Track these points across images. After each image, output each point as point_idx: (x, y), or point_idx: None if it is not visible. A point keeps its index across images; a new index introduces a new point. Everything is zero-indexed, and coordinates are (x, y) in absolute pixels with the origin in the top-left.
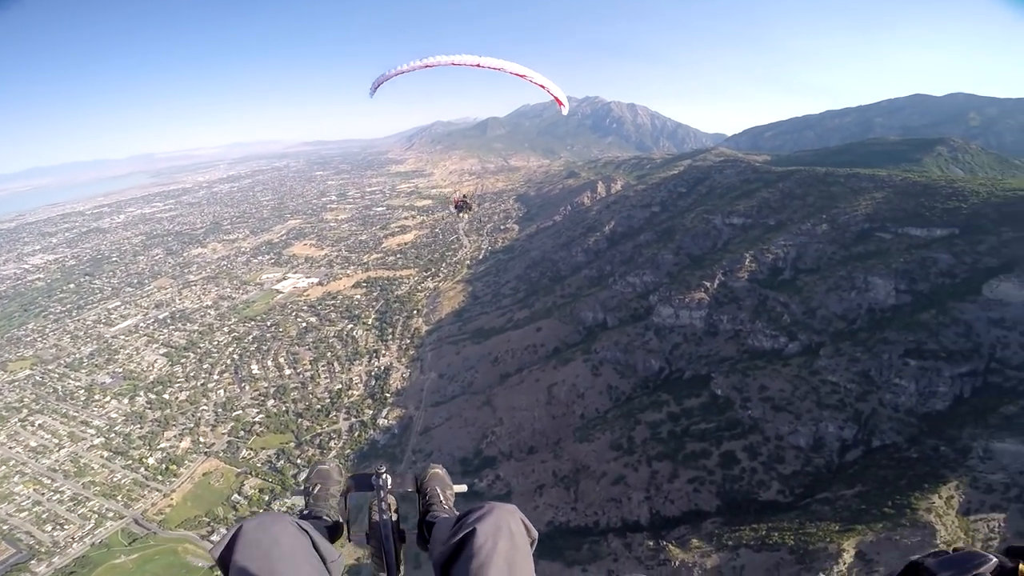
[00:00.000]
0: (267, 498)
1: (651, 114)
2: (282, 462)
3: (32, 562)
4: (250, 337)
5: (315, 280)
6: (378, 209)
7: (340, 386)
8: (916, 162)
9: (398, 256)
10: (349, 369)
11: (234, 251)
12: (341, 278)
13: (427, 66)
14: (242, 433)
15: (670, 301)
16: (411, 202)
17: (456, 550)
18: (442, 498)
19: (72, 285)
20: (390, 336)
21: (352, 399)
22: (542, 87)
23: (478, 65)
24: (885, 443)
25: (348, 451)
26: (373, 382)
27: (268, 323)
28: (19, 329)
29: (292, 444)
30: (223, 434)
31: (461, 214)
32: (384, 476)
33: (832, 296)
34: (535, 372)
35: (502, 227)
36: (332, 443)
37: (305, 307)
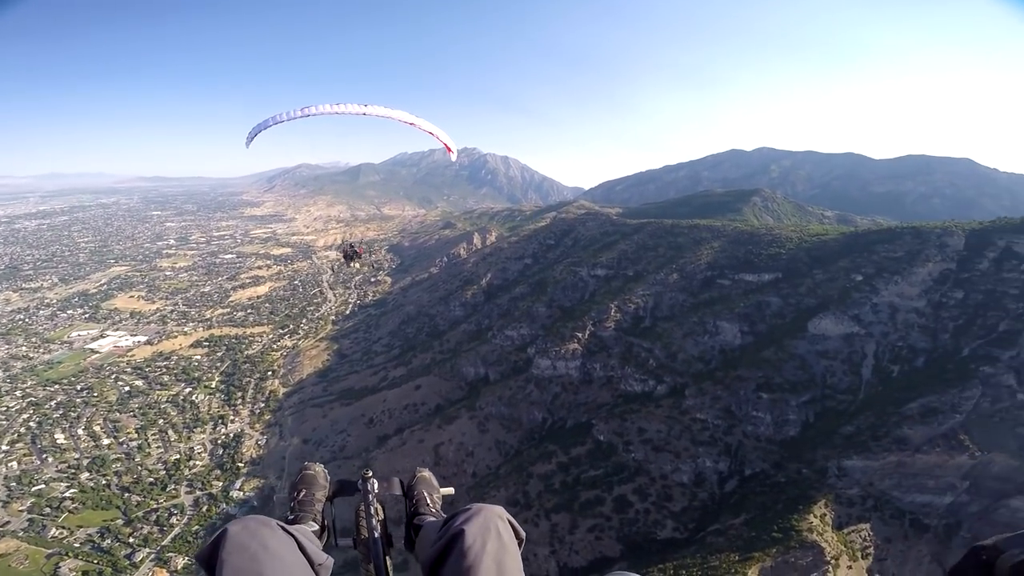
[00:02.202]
0: None
1: (521, 167)
2: (108, 541)
3: None
4: (53, 403)
5: (142, 339)
6: (227, 256)
7: (178, 456)
8: (738, 211)
9: (249, 311)
10: (189, 437)
11: (36, 302)
12: (176, 336)
13: (309, 115)
14: (48, 510)
15: (547, 353)
16: (267, 249)
17: (444, 551)
18: (429, 501)
19: None
20: (239, 400)
21: (195, 470)
22: (431, 134)
23: (364, 114)
24: (756, 471)
25: (196, 527)
26: (221, 451)
27: (78, 387)
28: None
29: (120, 521)
30: (20, 511)
31: (351, 264)
32: (371, 480)
33: (688, 340)
34: (417, 432)
35: (373, 279)
36: (173, 519)
37: (129, 369)
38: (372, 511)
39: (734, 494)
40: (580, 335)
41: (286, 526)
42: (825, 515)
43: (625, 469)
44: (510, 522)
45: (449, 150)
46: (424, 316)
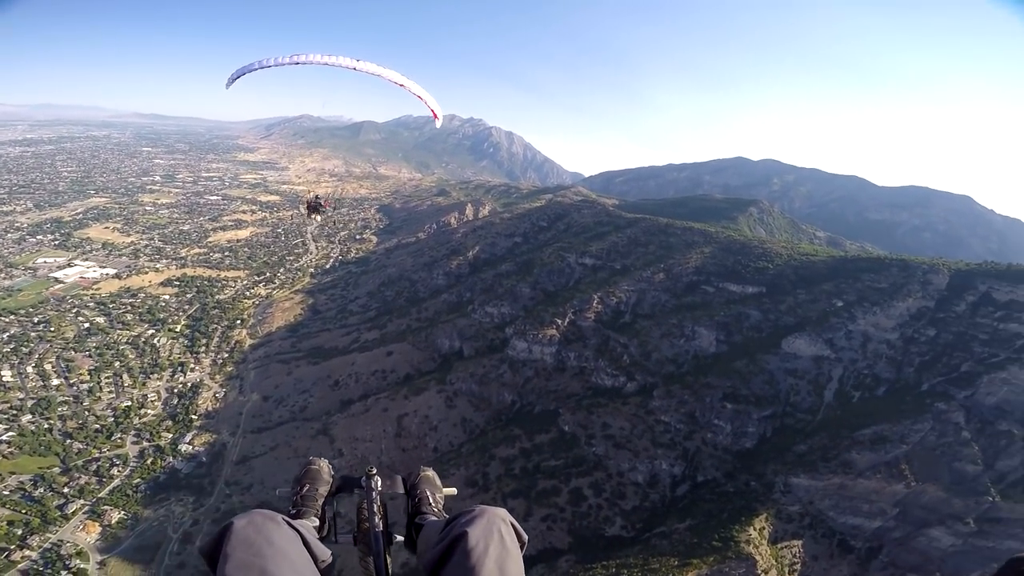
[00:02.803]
0: (20, 531)
1: (525, 144)
2: (41, 490)
3: None
4: (6, 335)
5: (111, 271)
6: (212, 198)
7: (130, 403)
8: (733, 220)
9: (226, 254)
10: (144, 384)
11: (5, 225)
12: (147, 272)
13: (296, 63)
14: None
15: (525, 335)
16: (255, 195)
17: (446, 553)
18: (431, 501)
19: None
20: (203, 348)
21: (146, 419)
22: (419, 97)
23: (355, 68)
24: (708, 478)
25: (138, 480)
26: (176, 400)
27: (35, 319)
28: None
29: (56, 470)
30: None
31: (312, 216)
32: (374, 478)
33: (665, 341)
34: (383, 400)
35: (358, 236)
36: (115, 470)
37: (92, 304)
38: (374, 508)
39: (684, 498)
40: (560, 322)
41: (291, 521)
42: (764, 528)
43: (584, 462)
44: (513, 525)
45: (435, 116)
46: (405, 280)
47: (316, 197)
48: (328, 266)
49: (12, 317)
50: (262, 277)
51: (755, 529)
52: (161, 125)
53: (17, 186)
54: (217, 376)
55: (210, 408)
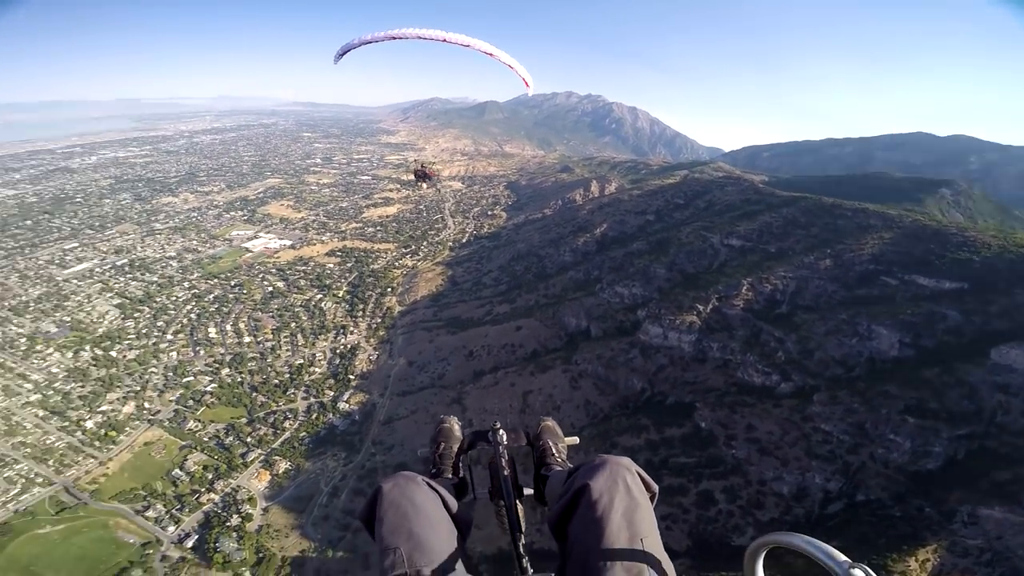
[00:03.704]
0: (210, 476)
1: (651, 119)
2: (231, 439)
3: None
4: (211, 296)
5: (288, 243)
6: (363, 178)
7: (302, 361)
8: (918, 202)
9: (378, 228)
10: (313, 343)
11: (206, 203)
12: (315, 244)
13: (393, 37)
14: (191, 402)
15: (660, 320)
16: (398, 175)
17: (570, 506)
18: (555, 451)
19: (29, 222)
20: (360, 313)
21: (313, 377)
22: (509, 67)
23: (444, 40)
24: (869, 498)
25: (303, 434)
26: (337, 361)
27: (232, 283)
28: None
29: (244, 420)
30: (170, 401)
31: (420, 183)
32: (500, 432)
33: (831, 339)
34: (511, 375)
35: (489, 212)
36: (287, 423)
37: (274, 270)
38: (502, 462)
39: (835, 517)
40: (701, 308)
41: (431, 482)
42: (928, 560)
43: (721, 464)
44: (639, 474)
45: (526, 84)
46: (533, 256)
47: (421, 165)
48: (464, 240)
49: (215, 280)
50: (408, 249)
51: (916, 560)
52: (316, 112)
53: (212, 169)
54: (371, 339)
55: (364, 369)
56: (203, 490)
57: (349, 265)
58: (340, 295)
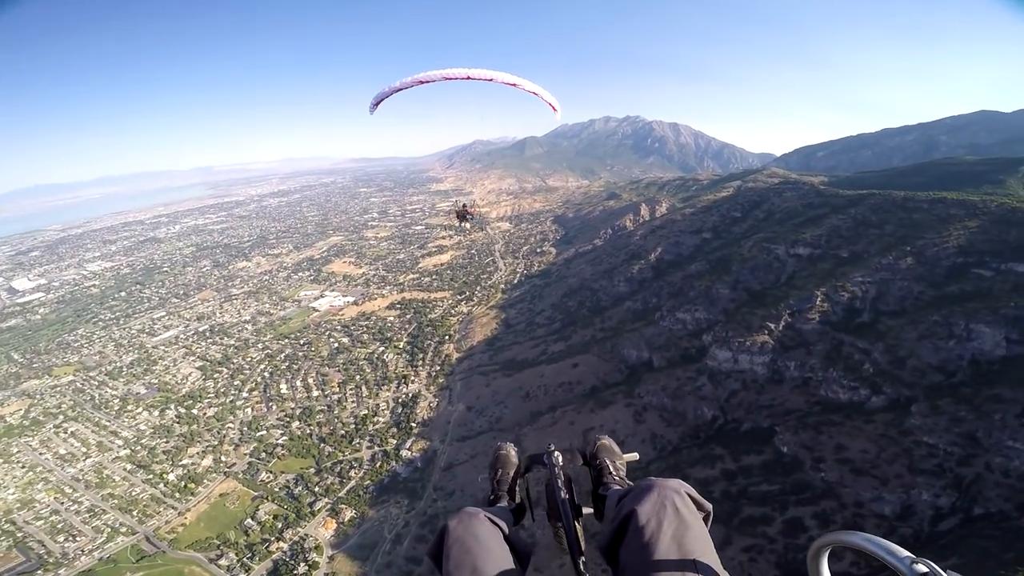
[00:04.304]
0: (280, 525)
1: (694, 133)
2: (299, 488)
3: (38, 572)
4: (282, 355)
5: (351, 299)
6: (417, 228)
7: (366, 412)
8: (999, 184)
9: (433, 277)
10: (376, 394)
11: (276, 266)
12: (376, 298)
13: (421, 82)
14: (263, 455)
15: (728, 343)
16: (450, 221)
17: (619, 532)
18: (612, 469)
19: (123, 293)
20: (420, 362)
21: (377, 426)
22: (534, 94)
23: (468, 77)
24: (990, 511)
25: (368, 482)
26: (400, 410)
27: (301, 341)
28: (69, 334)
29: (312, 470)
30: (245, 454)
31: (463, 223)
32: (555, 454)
33: (925, 344)
34: (569, 413)
35: (538, 249)
36: (352, 472)
37: (339, 327)
38: (558, 483)
39: (948, 534)
40: (772, 325)
41: (492, 516)
42: None
43: (808, 489)
44: (690, 495)
45: (553, 108)
46: (587, 290)
47: (463, 206)
48: (516, 281)
49: (286, 340)
50: (463, 296)
51: None
52: (370, 167)
53: (280, 231)
54: (431, 387)
55: (425, 417)
56: (272, 539)
57: (408, 316)
58: (401, 346)
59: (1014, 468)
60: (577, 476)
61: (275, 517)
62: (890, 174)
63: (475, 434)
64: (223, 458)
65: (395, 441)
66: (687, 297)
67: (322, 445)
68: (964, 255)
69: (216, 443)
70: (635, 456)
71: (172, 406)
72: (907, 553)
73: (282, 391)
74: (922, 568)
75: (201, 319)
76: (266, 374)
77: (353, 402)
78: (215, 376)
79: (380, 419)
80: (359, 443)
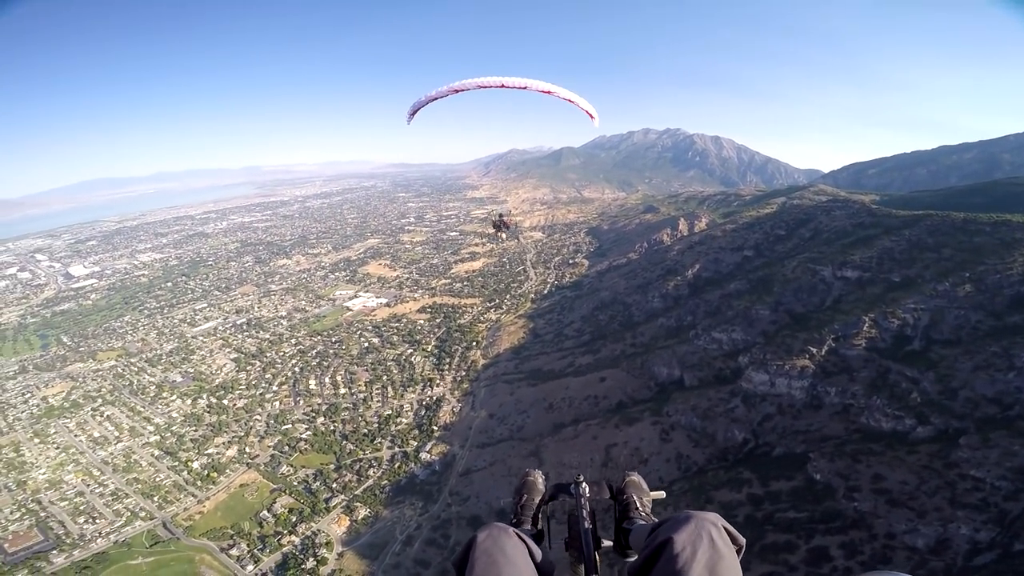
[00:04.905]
0: (294, 519)
1: (737, 147)
2: (318, 484)
3: (53, 552)
4: (314, 352)
5: (383, 301)
6: (452, 234)
7: (390, 412)
8: None
9: (465, 283)
10: (402, 395)
11: (315, 265)
12: (408, 301)
13: (456, 90)
14: (287, 448)
15: (765, 366)
16: (483, 228)
17: (651, 559)
18: (639, 504)
19: (169, 284)
20: (447, 366)
21: (399, 427)
22: (569, 101)
23: (503, 85)
24: None
25: (385, 482)
26: (423, 412)
27: (333, 339)
28: (116, 320)
29: (332, 466)
30: (269, 447)
31: (499, 233)
32: (583, 485)
33: (981, 375)
34: (593, 427)
35: (571, 261)
36: (371, 471)
37: (370, 327)
38: (583, 513)
39: (983, 569)
40: (814, 350)
41: (520, 533)
42: None
43: (839, 518)
44: (726, 528)
45: (591, 116)
46: (619, 304)
47: (500, 216)
48: (546, 291)
49: (319, 337)
50: (492, 303)
51: None
52: (408, 172)
53: (321, 232)
54: (456, 392)
55: (447, 421)
56: (285, 532)
57: (438, 321)
58: (429, 349)
59: None
60: (600, 509)
61: (290, 511)
62: (947, 194)
63: (495, 441)
64: (247, 449)
65: (416, 443)
66: (724, 316)
67: (344, 442)
68: None
69: (242, 434)
70: (662, 494)
71: (204, 395)
72: None
73: (311, 387)
74: None
75: (240, 312)
76: (297, 369)
77: (378, 402)
78: (248, 368)
79: (403, 420)
80: (380, 442)
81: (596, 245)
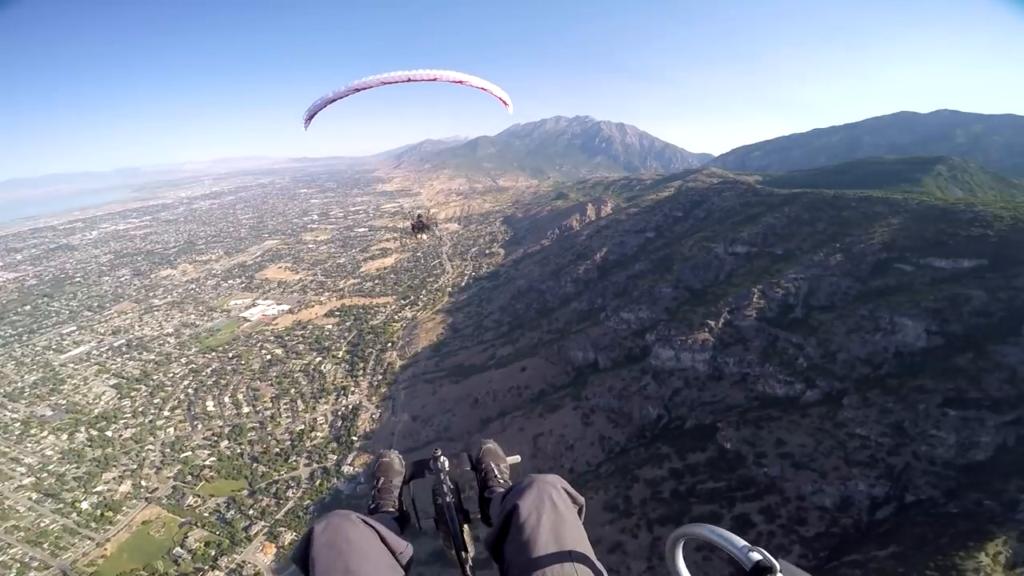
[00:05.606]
0: (213, 552)
1: (639, 133)
2: (232, 513)
3: None
4: (209, 370)
5: (286, 307)
6: (360, 230)
7: (303, 427)
8: (916, 182)
9: (376, 282)
10: (314, 408)
11: (205, 273)
12: (314, 305)
13: (357, 89)
14: (190, 477)
15: (670, 342)
16: (395, 223)
17: (503, 528)
18: (497, 472)
19: (28, 307)
20: (361, 371)
21: (315, 442)
22: (483, 89)
23: (409, 79)
24: (921, 498)
25: (308, 502)
26: (339, 423)
27: (230, 355)
28: None
29: (245, 492)
30: (168, 478)
31: (419, 235)
32: (441, 459)
33: (854, 338)
34: (519, 419)
35: (487, 251)
36: (290, 492)
37: (272, 337)
38: (445, 488)
39: (885, 523)
40: (712, 323)
41: (366, 518)
42: (1000, 554)
43: (753, 484)
44: (566, 490)
45: (505, 103)
46: (534, 291)
47: (419, 216)
48: (463, 284)
49: (213, 354)
50: (407, 300)
51: (988, 555)
52: (312, 167)
53: (211, 236)
54: (373, 397)
55: (368, 429)
56: (207, 567)
57: (348, 324)
58: (340, 355)
59: (938, 456)
60: (464, 482)
61: (207, 544)
62: (818, 173)
63: (422, 444)
64: (144, 483)
65: (335, 456)
66: (631, 297)
67: (255, 465)
68: (887, 251)
69: (135, 467)
70: (517, 459)
71: (83, 428)
72: (744, 543)
73: (208, 409)
74: (756, 556)
75: (117, 333)
76: (190, 391)
77: (288, 417)
78: (132, 395)
79: (318, 434)
80: (296, 460)
81: (511, 234)
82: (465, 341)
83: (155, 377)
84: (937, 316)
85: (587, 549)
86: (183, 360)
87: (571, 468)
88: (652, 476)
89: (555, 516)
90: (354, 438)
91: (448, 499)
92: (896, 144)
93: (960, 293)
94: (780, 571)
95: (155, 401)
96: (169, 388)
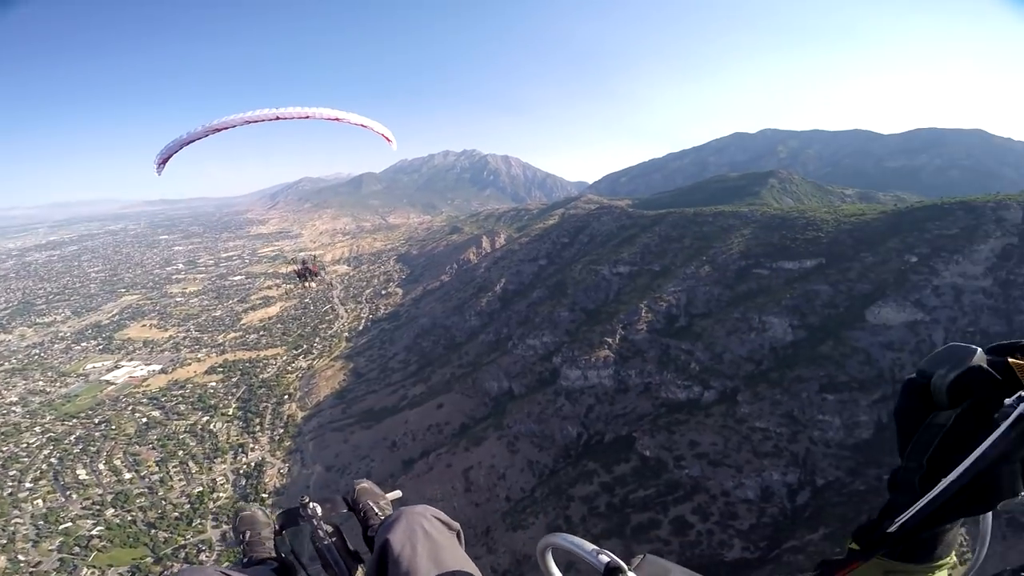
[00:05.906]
0: None
1: (523, 165)
2: None
3: None
4: (72, 437)
5: (156, 368)
6: (236, 278)
7: (201, 488)
8: (756, 195)
9: (261, 333)
10: (210, 468)
11: (50, 336)
12: (191, 363)
13: (217, 129)
14: (77, 549)
15: (575, 362)
16: (275, 268)
17: (379, 566)
18: (377, 510)
19: None
20: (258, 427)
21: (219, 503)
22: (362, 126)
23: (277, 118)
24: (829, 480)
25: (226, 562)
26: (243, 481)
27: (96, 420)
28: None
29: (150, 559)
30: (50, 551)
31: (307, 284)
32: (311, 506)
33: (733, 338)
34: (444, 456)
35: (384, 291)
36: (202, 556)
37: (144, 400)
38: (321, 533)
39: (807, 507)
40: (610, 340)
41: (225, 571)
42: None
43: (680, 487)
44: (437, 518)
45: (388, 139)
46: (439, 328)
47: (303, 263)
48: (361, 328)
49: (75, 420)
50: (300, 350)
51: None
52: (172, 210)
53: (52, 294)
54: (277, 452)
55: (278, 484)
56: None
57: (235, 379)
58: (230, 413)
59: (831, 439)
60: (345, 525)
61: None
62: (678, 193)
63: (343, 493)
64: (21, 557)
65: None
66: (533, 324)
67: (153, 531)
68: (745, 258)
69: (5, 541)
70: (398, 494)
71: None
72: (593, 547)
73: (81, 477)
74: (605, 558)
75: None
76: (53, 460)
77: (181, 480)
78: None
79: (221, 494)
80: (201, 523)
81: (408, 272)
82: (372, 385)
83: (3, 449)
84: (796, 312)
85: (473, 569)
86: (37, 429)
87: (507, 496)
88: (585, 493)
89: (430, 543)
90: (264, 495)
91: (327, 543)
92: (736, 162)
93: (810, 289)
94: (634, 569)
95: (11, 473)
96: (26, 459)
